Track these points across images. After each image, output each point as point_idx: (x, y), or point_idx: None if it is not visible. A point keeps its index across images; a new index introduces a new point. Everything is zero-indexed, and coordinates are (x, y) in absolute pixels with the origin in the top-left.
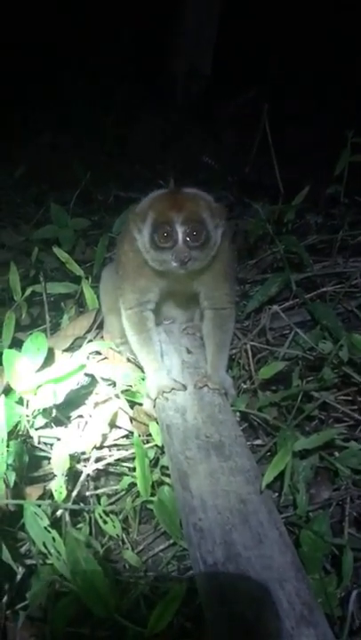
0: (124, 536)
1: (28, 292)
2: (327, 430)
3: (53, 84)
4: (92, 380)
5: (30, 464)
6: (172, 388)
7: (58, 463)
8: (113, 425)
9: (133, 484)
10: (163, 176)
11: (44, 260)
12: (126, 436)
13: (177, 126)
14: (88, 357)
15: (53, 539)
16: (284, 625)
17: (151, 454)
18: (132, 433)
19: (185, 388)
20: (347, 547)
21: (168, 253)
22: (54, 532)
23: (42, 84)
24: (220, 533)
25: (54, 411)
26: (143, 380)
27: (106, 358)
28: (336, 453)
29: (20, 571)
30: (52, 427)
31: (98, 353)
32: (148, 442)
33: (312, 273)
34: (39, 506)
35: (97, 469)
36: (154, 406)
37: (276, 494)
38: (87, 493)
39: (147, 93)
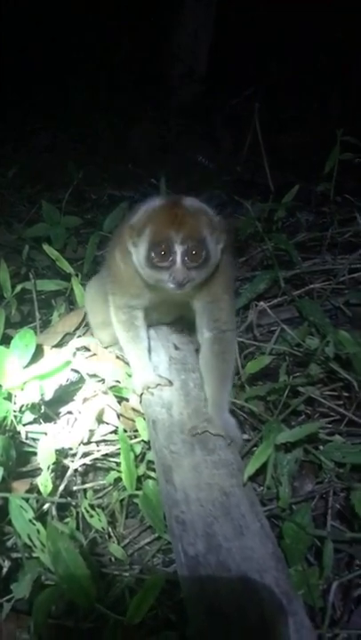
0: (110, 530)
1: (18, 288)
2: (311, 423)
3: (50, 84)
4: (82, 377)
5: (18, 460)
6: (158, 384)
7: (44, 457)
8: (100, 421)
9: (120, 479)
10: (156, 176)
11: (35, 258)
12: (114, 432)
13: (173, 127)
14: (75, 354)
15: (38, 531)
16: (262, 613)
17: (138, 449)
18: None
19: (171, 383)
20: (328, 538)
21: (165, 273)
22: (39, 525)
23: (38, 85)
24: (201, 525)
25: (43, 407)
26: (130, 376)
27: (95, 355)
28: (321, 447)
29: (6, 564)
30: (40, 423)
31: (87, 349)
32: (135, 437)
33: (300, 270)
34: (26, 500)
35: (85, 465)
36: (140, 402)
37: (261, 488)
38: (74, 488)
39: (144, 95)
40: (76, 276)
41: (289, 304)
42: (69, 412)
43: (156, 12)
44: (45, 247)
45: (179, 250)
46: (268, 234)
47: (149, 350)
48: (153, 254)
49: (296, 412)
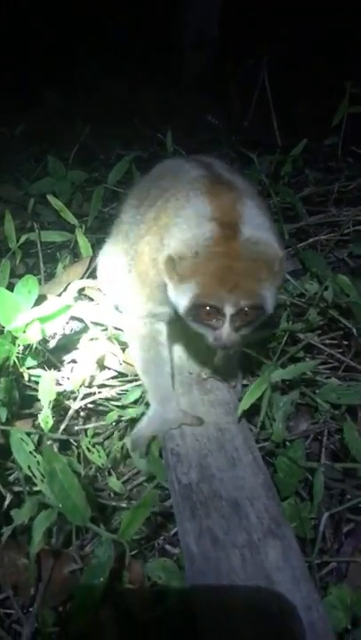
0: (109, 466)
1: (23, 239)
2: (306, 362)
3: (61, 43)
4: (85, 327)
5: (20, 402)
6: (182, 424)
7: (45, 393)
8: (102, 366)
9: (120, 421)
10: (164, 134)
11: (40, 213)
12: (115, 377)
13: (183, 90)
14: (77, 301)
15: (38, 463)
16: (250, 536)
17: (138, 393)
18: (120, 373)
19: (201, 422)
20: (318, 470)
21: (209, 331)
22: (40, 457)
23: (48, 43)
24: (196, 458)
25: (47, 354)
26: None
27: (98, 304)
28: (318, 391)
29: (8, 497)
30: (44, 368)
31: (90, 299)
32: (136, 381)
33: (305, 223)
34: (28, 435)
35: (87, 409)
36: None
37: (258, 428)
38: (76, 429)
39: (153, 57)
40: (80, 227)
41: (293, 257)
42: (73, 361)
43: None
44: (50, 198)
45: (229, 312)
46: (274, 187)
47: (173, 375)
48: (198, 312)
49: (295, 359)
